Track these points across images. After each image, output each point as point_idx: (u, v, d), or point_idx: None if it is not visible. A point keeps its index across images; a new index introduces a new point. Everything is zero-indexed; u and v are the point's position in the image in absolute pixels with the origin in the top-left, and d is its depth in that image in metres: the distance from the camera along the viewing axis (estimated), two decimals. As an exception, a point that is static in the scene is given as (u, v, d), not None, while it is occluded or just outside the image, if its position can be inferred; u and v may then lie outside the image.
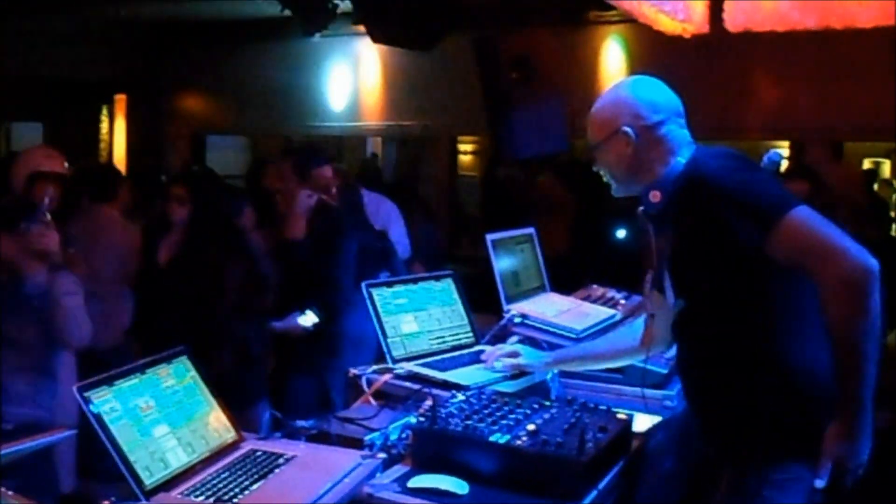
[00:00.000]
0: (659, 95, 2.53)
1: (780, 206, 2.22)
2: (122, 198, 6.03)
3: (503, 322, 3.44)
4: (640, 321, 2.92)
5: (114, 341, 5.32)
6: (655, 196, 2.42)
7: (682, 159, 2.44)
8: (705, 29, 6.85)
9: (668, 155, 2.46)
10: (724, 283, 2.33)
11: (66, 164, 4.85)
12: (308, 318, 4.65)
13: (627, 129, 2.48)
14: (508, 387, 2.94)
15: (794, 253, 2.20)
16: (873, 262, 2.13)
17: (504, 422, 2.46)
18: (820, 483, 2.22)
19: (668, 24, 6.53)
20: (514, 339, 3.35)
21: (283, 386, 4.73)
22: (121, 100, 12.13)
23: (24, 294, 3.76)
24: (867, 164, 10.74)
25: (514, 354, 3.09)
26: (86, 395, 2.15)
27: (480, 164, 13.24)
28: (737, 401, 2.37)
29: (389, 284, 3.29)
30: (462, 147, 13.22)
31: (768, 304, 2.32)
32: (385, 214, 6.31)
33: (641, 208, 2.49)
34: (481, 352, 3.24)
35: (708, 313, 2.41)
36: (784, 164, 8.87)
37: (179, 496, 2.18)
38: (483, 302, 3.62)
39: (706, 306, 2.40)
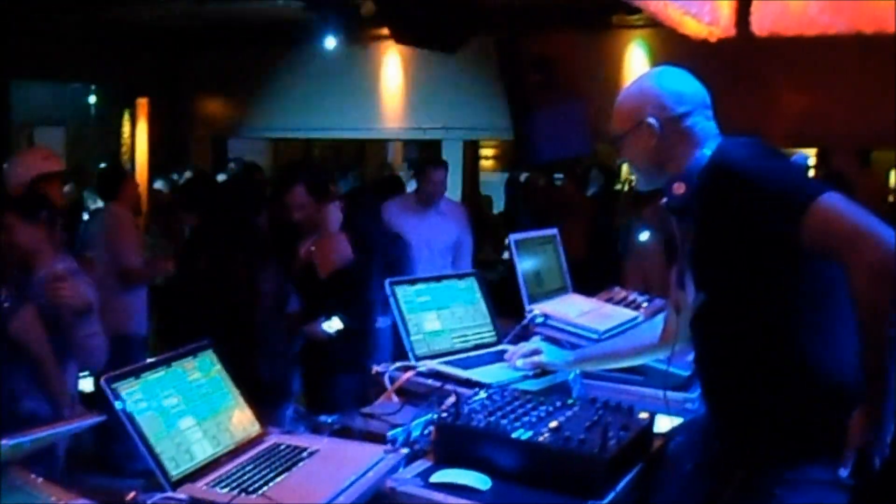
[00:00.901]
0: (685, 86, 2.49)
1: (811, 192, 2.17)
2: (128, 195, 6.28)
3: (525, 321, 3.43)
4: (659, 318, 2.92)
5: (114, 332, 5.42)
6: (680, 188, 2.38)
7: (707, 151, 2.39)
8: (731, 32, 6.76)
9: (693, 147, 2.42)
10: (749, 275, 2.29)
11: (64, 162, 5.01)
12: (333, 325, 4.65)
13: (652, 120, 2.44)
14: (531, 386, 2.94)
15: (825, 238, 2.14)
16: None
17: (527, 419, 2.46)
18: (844, 473, 2.18)
19: (693, 26, 6.46)
20: (537, 338, 3.36)
21: (325, 384, 4.74)
22: (142, 103, 12.20)
23: (32, 287, 3.80)
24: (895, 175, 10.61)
25: (536, 353, 3.08)
26: (113, 386, 2.17)
27: (502, 168, 13.25)
28: (754, 398, 2.34)
29: (412, 282, 3.30)
30: (484, 152, 13.21)
31: (791, 299, 2.28)
32: (458, 221, 6.45)
33: (665, 200, 2.45)
34: (504, 351, 3.24)
35: (729, 308, 2.36)
36: (811, 172, 8.78)
37: (205, 487, 2.20)
38: (505, 306, 3.62)
39: (728, 300, 2.36)
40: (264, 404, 2.73)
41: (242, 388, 2.58)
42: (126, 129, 12.38)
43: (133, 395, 2.21)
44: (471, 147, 11.72)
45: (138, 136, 12.28)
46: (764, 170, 2.27)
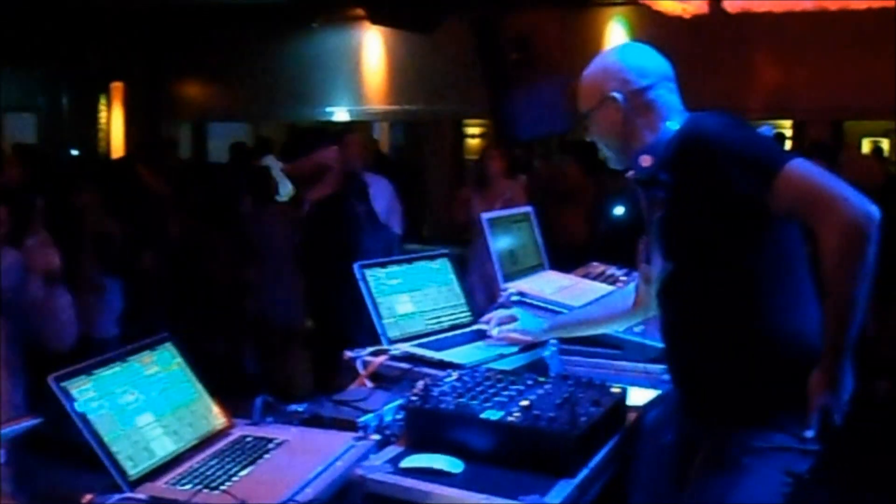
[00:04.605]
0: (647, 60, 2.50)
1: (780, 157, 2.23)
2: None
3: (501, 300, 3.40)
4: (631, 286, 2.95)
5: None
6: (646, 160, 2.39)
7: (672, 125, 2.41)
8: (704, 10, 6.87)
9: (658, 120, 2.43)
10: (717, 241, 2.31)
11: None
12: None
13: (616, 94, 2.45)
14: (506, 365, 2.90)
15: (795, 202, 2.19)
16: (874, 210, 2.12)
17: (497, 398, 2.42)
18: (810, 433, 2.24)
19: (667, 4, 6.56)
20: (516, 310, 3.30)
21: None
22: (118, 87, 11.90)
23: None
24: (866, 143, 10.74)
25: (512, 320, 3.08)
26: (62, 385, 2.10)
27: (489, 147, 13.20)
28: (720, 366, 2.36)
29: (383, 265, 3.23)
30: (469, 130, 13.17)
31: (757, 266, 2.31)
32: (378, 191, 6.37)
33: (631, 173, 2.47)
34: (479, 331, 3.19)
35: (696, 276, 2.38)
36: (788, 144, 8.91)
37: (165, 485, 2.13)
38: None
39: (695, 268, 2.37)
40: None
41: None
42: (102, 114, 12.05)
43: (85, 394, 2.13)
44: (454, 127, 11.66)
45: (114, 122, 11.99)
46: (735, 137, 2.30)
